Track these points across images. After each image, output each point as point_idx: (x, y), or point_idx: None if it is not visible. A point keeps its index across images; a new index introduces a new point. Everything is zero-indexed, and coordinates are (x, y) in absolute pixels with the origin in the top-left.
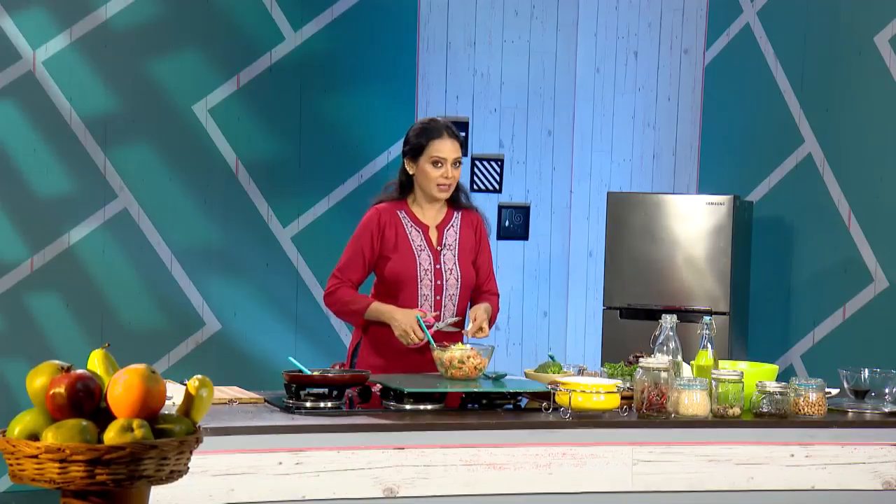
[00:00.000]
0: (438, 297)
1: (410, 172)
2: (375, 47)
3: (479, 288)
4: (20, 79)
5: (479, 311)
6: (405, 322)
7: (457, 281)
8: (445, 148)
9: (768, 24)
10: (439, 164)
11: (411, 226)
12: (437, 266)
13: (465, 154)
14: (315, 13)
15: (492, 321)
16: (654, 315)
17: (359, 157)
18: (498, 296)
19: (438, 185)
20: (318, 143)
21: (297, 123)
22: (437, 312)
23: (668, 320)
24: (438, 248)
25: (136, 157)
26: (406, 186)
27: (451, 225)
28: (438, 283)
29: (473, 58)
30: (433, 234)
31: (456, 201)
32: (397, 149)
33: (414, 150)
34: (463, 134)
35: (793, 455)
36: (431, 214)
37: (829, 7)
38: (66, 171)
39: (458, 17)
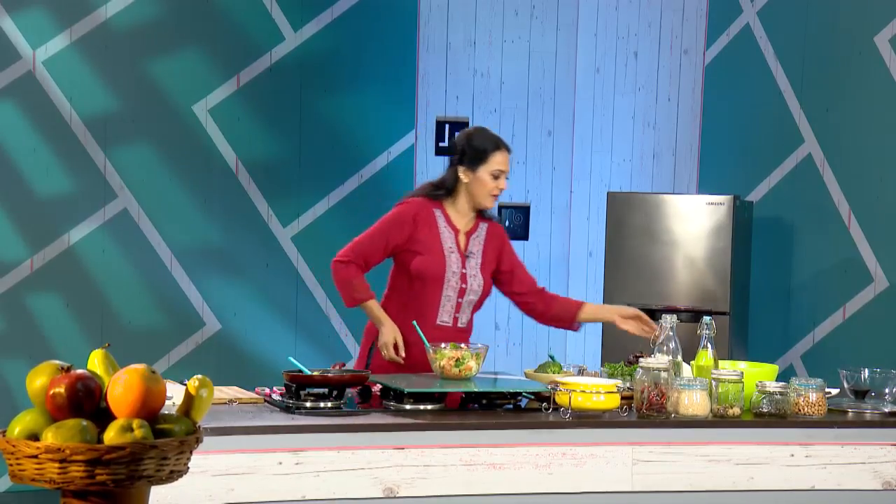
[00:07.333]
0: (460, 300)
1: (465, 180)
2: (375, 47)
3: (531, 286)
4: (20, 79)
5: (613, 312)
6: (389, 336)
7: (478, 288)
8: (506, 160)
9: (768, 24)
10: (497, 176)
11: (445, 227)
12: (464, 270)
13: None
14: (315, 13)
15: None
16: (654, 315)
17: (359, 157)
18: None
19: (493, 195)
20: (318, 143)
21: (297, 123)
22: (457, 314)
23: (668, 320)
24: (466, 253)
25: (136, 157)
26: (451, 190)
27: (477, 234)
28: (463, 286)
29: (473, 58)
30: (461, 240)
31: (485, 211)
32: (398, 149)
33: (473, 158)
34: None
35: (793, 455)
36: (464, 221)
37: (829, 7)
38: (66, 171)
39: (458, 17)
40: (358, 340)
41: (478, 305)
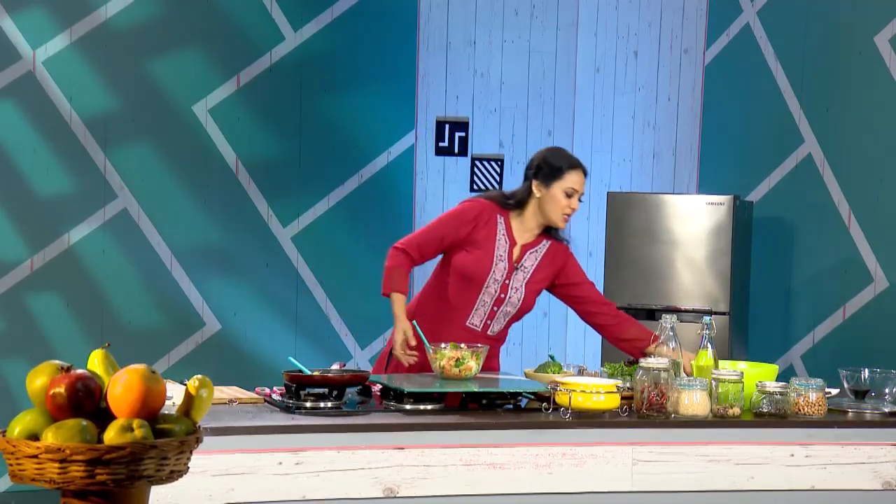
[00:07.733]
0: (495, 309)
1: (537, 194)
2: (375, 47)
3: (595, 298)
4: (20, 79)
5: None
6: (399, 335)
7: (518, 301)
8: (581, 181)
9: (768, 24)
10: (570, 195)
11: (503, 234)
12: (506, 281)
13: (464, 154)
14: (315, 13)
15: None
16: (654, 315)
17: (359, 157)
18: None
19: (565, 214)
20: (318, 143)
21: (297, 123)
22: (489, 321)
23: (668, 320)
24: (515, 265)
25: (136, 157)
26: (521, 203)
27: (535, 250)
28: (501, 296)
29: (473, 58)
30: (516, 251)
31: (551, 229)
32: (398, 149)
33: (548, 174)
34: (462, 134)
35: (793, 455)
36: (525, 235)
37: (829, 7)
38: (66, 171)
39: (458, 17)
40: (358, 340)
41: (516, 318)
